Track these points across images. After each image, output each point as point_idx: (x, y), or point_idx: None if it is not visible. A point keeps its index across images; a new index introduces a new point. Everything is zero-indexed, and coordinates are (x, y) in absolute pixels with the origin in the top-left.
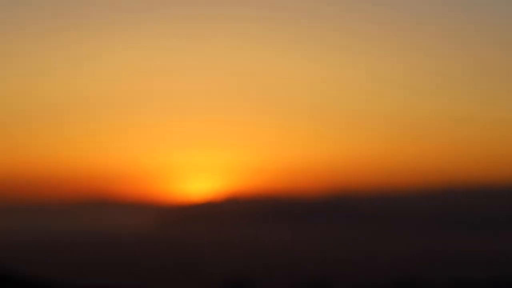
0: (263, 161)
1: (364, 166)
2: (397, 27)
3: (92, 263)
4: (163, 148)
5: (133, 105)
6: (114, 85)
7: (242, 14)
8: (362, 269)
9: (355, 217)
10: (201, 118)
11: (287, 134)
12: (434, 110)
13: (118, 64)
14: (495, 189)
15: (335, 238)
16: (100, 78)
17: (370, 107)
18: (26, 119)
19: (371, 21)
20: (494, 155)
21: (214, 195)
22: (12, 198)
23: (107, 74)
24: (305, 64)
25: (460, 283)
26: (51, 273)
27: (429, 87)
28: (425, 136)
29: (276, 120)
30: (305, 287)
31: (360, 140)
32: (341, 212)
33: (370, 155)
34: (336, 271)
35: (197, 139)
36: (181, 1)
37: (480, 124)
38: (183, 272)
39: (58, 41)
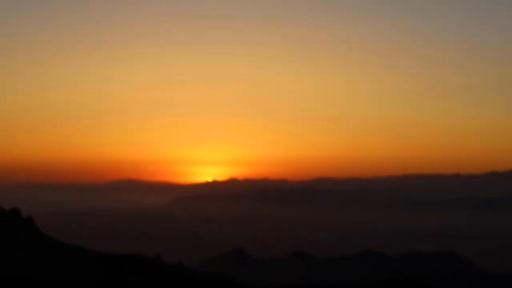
0: (257, 153)
1: (338, 158)
2: (370, 52)
3: (122, 232)
4: (180, 143)
5: (160, 109)
6: (143, 94)
7: (248, 39)
8: (336, 241)
9: (331, 198)
10: (210, 121)
11: (277, 133)
12: (397, 116)
13: (145, 77)
14: (444, 176)
15: (314, 215)
16: (132, 88)
17: (345, 113)
18: (80, 121)
19: (352, 45)
20: (445, 151)
21: (219, 178)
22: (65, 179)
23: (138, 85)
24: (295, 80)
25: (415, 255)
26: (88, 241)
27: (394, 98)
28: (389, 136)
29: (268, 123)
30: (291, 255)
31: (336, 138)
32: (319, 193)
33: (344, 150)
34: (315, 243)
35: (207, 136)
36: (201, 29)
37: (435, 128)
38: (192, 240)
39: (101, 58)
